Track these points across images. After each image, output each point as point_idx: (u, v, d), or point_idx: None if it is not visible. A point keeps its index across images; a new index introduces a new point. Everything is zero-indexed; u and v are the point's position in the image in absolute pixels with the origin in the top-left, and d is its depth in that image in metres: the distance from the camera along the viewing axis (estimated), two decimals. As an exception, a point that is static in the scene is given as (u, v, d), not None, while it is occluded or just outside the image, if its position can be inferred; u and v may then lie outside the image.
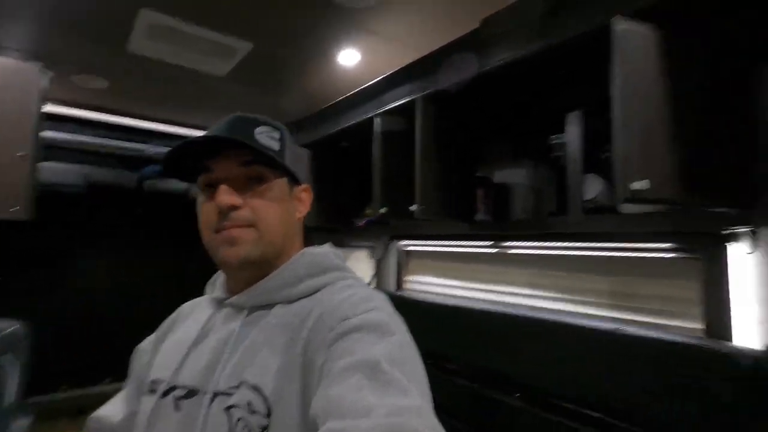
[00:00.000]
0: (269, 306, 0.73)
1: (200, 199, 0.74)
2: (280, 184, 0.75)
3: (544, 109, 1.79)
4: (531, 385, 1.62)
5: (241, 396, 0.63)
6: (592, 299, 1.75)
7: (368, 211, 2.42)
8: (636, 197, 0.91)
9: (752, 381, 1.12)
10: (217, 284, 0.83)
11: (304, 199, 0.81)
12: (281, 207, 0.75)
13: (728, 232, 1.38)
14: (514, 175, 2.02)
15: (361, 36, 1.80)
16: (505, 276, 2.11)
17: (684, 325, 1.50)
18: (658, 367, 1.31)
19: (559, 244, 1.81)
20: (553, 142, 1.65)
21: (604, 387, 1.41)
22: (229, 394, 0.64)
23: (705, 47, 1.07)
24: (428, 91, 1.88)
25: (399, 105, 2.04)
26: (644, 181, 0.90)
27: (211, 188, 0.71)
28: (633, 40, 1.02)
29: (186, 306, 0.89)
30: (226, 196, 0.68)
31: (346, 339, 0.60)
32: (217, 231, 0.70)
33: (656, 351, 1.33)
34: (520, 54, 1.53)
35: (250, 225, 0.70)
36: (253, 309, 0.74)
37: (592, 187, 1.52)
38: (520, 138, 1.97)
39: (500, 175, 2.05)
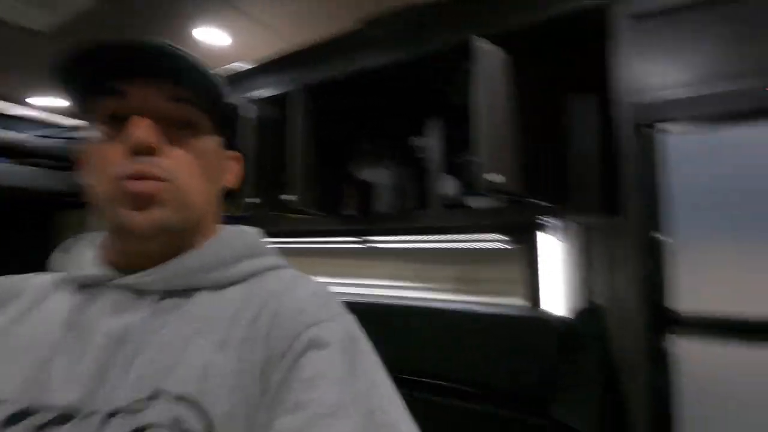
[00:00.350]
0: (188, 292, 0.55)
1: (95, 135, 0.53)
2: (214, 141, 0.59)
3: (410, 113, 1.97)
4: (396, 367, 1.74)
5: (160, 411, 0.45)
6: (448, 286, 1.99)
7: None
8: (492, 188, 1.09)
9: (560, 338, 1.43)
10: (84, 257, 0.59)
11: (233, 169, 0.65)
12: (210, 169, 0.58)
13: (545, 223, 1.75)
14: (379, 174, 2.16)
15: (229, 16, 1.70)
16: (372, 269, 2.22)
17: (514, 302, 1.83)
18: (495, 335, 1.56)
19: (420, 237, 2.00)
20: (416, 144, 1.82)
21: (457, 359, 1.62)
22: (136, 411, 0.45)
23: (539, 75, 1.36)
24: (302, 83, 1.87)
25: (272, 94, 1.98)
26: (499, 175, 1.09)
27: (117, 121, 0.52)
28: (489, 59, 1.22)
29: (9, 285, 0.60)
30: (144, 131, 0.50)
31: (311, 356, 0.48)
32: (120, 181, 0.50)
33: (493, 322, 1.58)
34: (390, 59, 1.66)
35: (167, 182, 0.52)
36: (167, 294, 0.54)
37: (448, 187, 1.74)
38: (388, 138, 2.11)
39: (368, 173, 2.16)
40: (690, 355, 0.90)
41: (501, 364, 1.53)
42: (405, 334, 1.75)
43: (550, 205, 1.39)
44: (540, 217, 1.49)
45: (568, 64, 1.42)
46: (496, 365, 1.54)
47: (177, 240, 0.56)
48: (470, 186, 1.87)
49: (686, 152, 0.94)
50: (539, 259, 1.77)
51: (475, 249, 1.92)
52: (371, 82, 1.80)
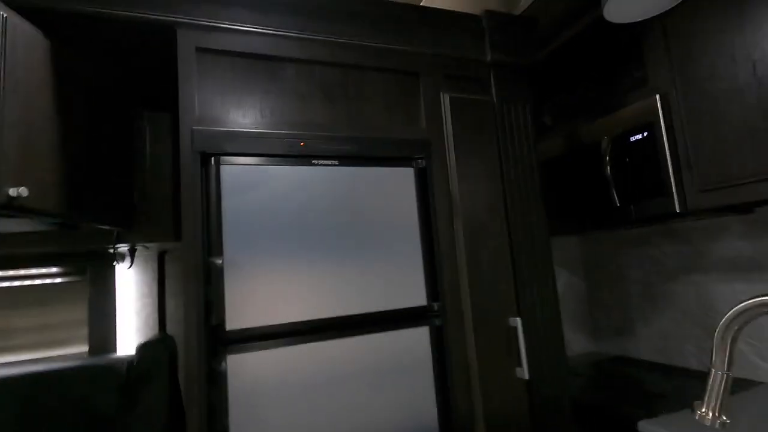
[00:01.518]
0: None
1: None
2: None
3: None
4: None
5: None
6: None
7: None
8: (13, 205, 0.81)
9: (122, 385, 1.26)
10: None
11: None
12: None
13: (112, 250, 1.52)
14: None
15: None
16: None
17: (70, 351, 1.47)
18: (37, 399, 1.19)
19: None
20: None
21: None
22: None
23: (96, 82, 1.17)
24: None
25: None
26: (23, 188, 0.82)
27: None
28: (23, 37, 0.93)
29: None
30: None
31: None
32: None
33: (28, 383, 1.20)
34: None
35: None
36: None
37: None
38: None
39: None
40: (240, 367, 0.99)
41: (61, 427, 1.16)
42: None
43: (113, 229, 1.21)
44: (101, 243, 1.27)
45: (141, 76, 1.31)
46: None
47: None
48: None
49: (237, 182, 1.06)
50: (109, 293, 1.52)
51: (17, 288, 1.42)
52: None
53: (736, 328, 0.63)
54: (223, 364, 0.96)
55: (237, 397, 0.98)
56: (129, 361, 1.27)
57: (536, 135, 1.50)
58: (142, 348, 1.25)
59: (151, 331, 1.56)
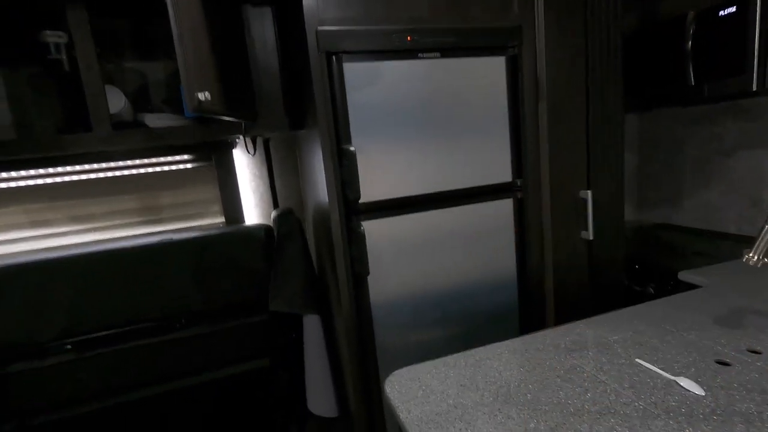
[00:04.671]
0: None
1: None
2: None
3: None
4: (80, 329, 1.44)
5: None
6: (125, 220, 1.71)
7: None
8: (201, 107, 1.00)
9: (263, 245, 1.60)
10: None
11: None
12: None
13: (237, 140, 1.76)
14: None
15: None
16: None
17: (209, 222, 1.82)
18: (203, 257, 1.55)
19: (75, 168, 1.57)
20: (50, 40, 1.34)
21: (164, 295, 1.51)
22: None
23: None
24: None
25: None
26: (206, 92, 1.01)
27: None
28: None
29: None
30: None
31: None
32: None
33: (197, 246, 1.55)
34: None
35: None
36: None
37: (114, 102, 1.42)
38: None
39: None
40: (370, 230, 1.27)
41: (213, 285, 1.56)
42: (79, 289, 1.44)
43: (240, 121, 1.42)
44: (231, 134, 1.49)
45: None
46: (209, 287, 1.56)
47: None
48: (145, 101, 1.60)
49: (356, 78, 1.20)
50: (232, 175, 1.80)
51: (160, 173, 1.71)
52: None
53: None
54: (362, 227, 1.25)
55: (371, 251, 1.29)
56: (264, 228, 1.60)
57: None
58: (280, 217, 1.56)
59: (267, 206, 1.88)
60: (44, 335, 1.40)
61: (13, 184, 1.55)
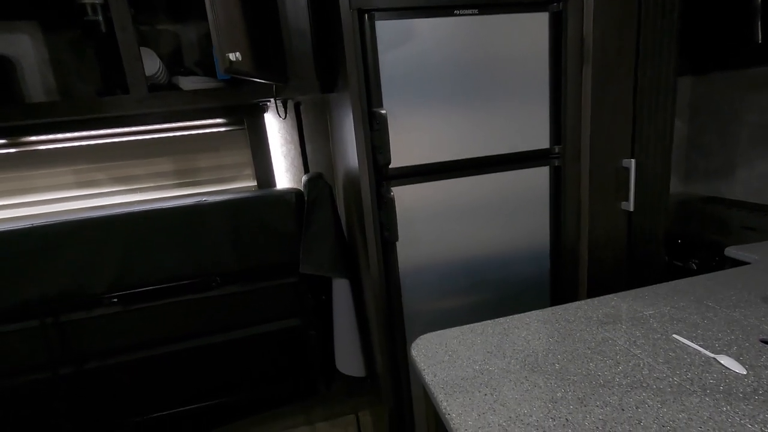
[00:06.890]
0: None
1: None
2: None
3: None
4: (126, 284, 1.53)
5: None
6: (163, 182, 1.77)
7: None
8: (233, 68, 1.00)
9: (295, 208, 1.61)
10: None
11: None
12: None
13: (268, 103, 1.76)
14: (15, 44, 1.50)
15: None
16: (38, 180, 1.66)
17: (241, 185, 1.86)
18: (236, 220, 1.59)
19: (114, 130, 1.62)
20: (86, 1, 1.35)
21: (200, 255, 1.57)
22: None
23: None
24: None
25: None
26: (238, 53, 1.00)
27: None
28: None
29: None
30: None
31: None
32: None
33: (230, 208, 1.58)
34: None
35: None
36: None
37: (149, 64, 1.43)
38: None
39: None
40: (400, 196, 1.26)
41: (246, 247, 1.60)
42: (124, 246, 1.51)
43: (271, 83, 1.41)
44: (262, 96, 1.49)
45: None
46: (242, 248, 1.60)
47: None
48: (178, 64, 1.61)
49: (388, 37, 1.15)
50: (263, 139, 1.81)
51: (195, 135, 1.75)
52: None
53: None
54: (391, 193, 1.24)
55: (400, 217, 1.28)
56: (295, 192, 1.62)
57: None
58: (310, 182, 1.57)
59: (298, 171, 1.90)
60: (95, 288, 1.50)
61: (59, 146, 1.62)
